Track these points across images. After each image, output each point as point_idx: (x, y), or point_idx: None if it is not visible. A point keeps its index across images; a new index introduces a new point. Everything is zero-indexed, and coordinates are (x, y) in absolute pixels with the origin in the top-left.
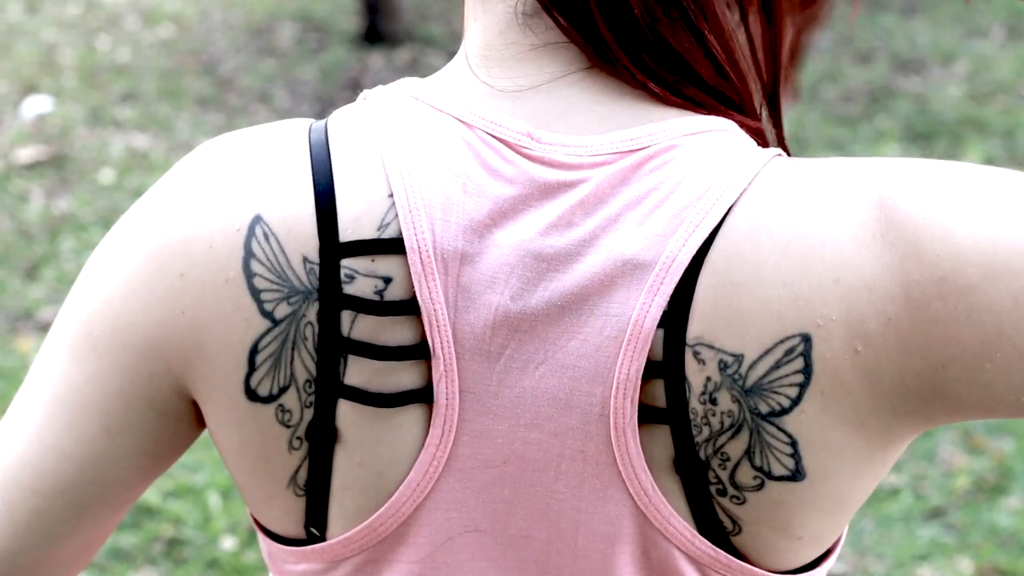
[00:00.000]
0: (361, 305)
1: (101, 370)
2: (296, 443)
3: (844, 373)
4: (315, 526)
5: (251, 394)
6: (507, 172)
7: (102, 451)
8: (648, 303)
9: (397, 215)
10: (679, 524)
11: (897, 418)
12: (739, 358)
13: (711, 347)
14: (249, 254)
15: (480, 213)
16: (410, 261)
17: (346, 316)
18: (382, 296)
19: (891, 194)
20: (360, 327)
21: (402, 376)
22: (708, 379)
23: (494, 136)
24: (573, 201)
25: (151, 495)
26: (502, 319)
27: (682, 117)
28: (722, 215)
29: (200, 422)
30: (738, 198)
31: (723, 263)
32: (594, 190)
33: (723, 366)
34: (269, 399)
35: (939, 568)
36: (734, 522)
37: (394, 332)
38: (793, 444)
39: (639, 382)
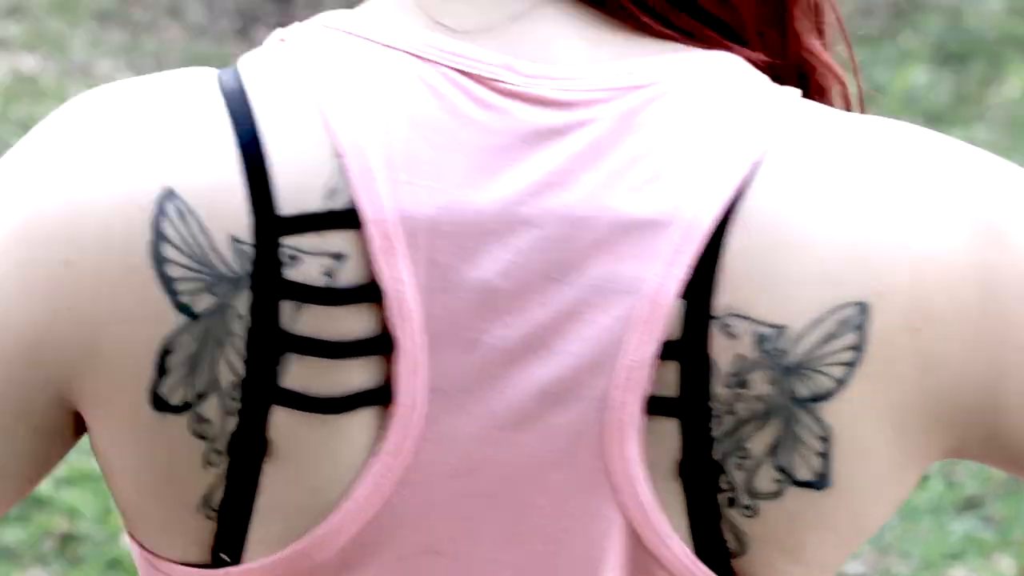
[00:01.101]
0: (306, 293)
1: None
2: (213, 458)
3: (899, 353)
4: (227, 551)
5: (159, 403)
6: (482, 117)
7: None
8: (665, 272)
9: (349, 179)
10: (677, 547)
11: (935, 430)
12: (781, 330)
13: (746, 318)
14: (159, 236)
15: (453, 171)
16: (368, 235)
17: (286, 307)
18: (333, 280)
19: (976, 162)
20: (304, 320)
21: (353, 375)
22: (740, 357)
23: (463, 72)
24: (569, 152)
25: (42, 483)
26: (484, 299)
27: (686, 52)
28: (751, 166)
29: (77, 434)
30: (769, 147)
31: (758, 220)
32: (595, 137)
33: (760, 340)
34: (182, 408)
35: (975, 568)
36: (739, 541)
37: (347, 323)
38: (825, 440)
39: (650, 368)
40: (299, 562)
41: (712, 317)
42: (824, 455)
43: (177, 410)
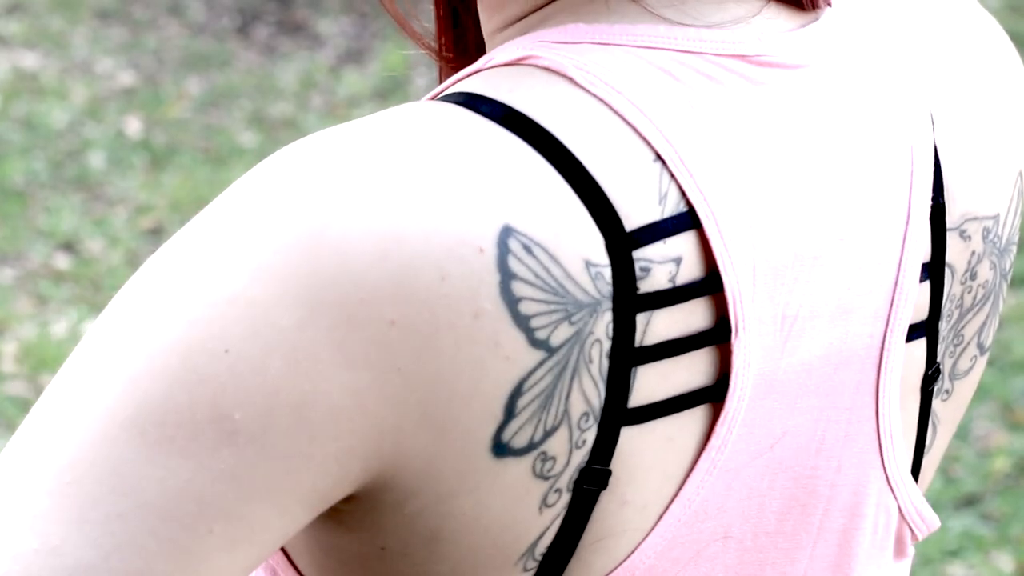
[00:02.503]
0: (656, 301)
1: (242, 464)
2: (553, 498)
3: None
4: None
5: (500, 449)
6: (754, 92)
7: (212, 571)
8: (916, 200)
9: (677, 181)
10: (909, 478)
11: None
12: (996, 219)
13: (975, 219)
14: (508, 276)
15: (751, 148)
16: (708, 234)
17: (640, 320)
18: (674, 282)
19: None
20: (654, 328)
21: (689, 372)
22: (972, 253)
23: (727, 55)
24: (819, 106)
25: None
26: (790, 271)
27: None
28: (926, 86)
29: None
30: (921, 62)
31: (951, 129)
32: (831, 88)
33: (986, 234)
34: (527, 449)
35: (973, 565)
36: (935, 431)
37: (689, 318)
38: (1004, 300)
39: (916, 297)
40: None
41: (948, 229)
42: (999, 314)
43: (520, 453)
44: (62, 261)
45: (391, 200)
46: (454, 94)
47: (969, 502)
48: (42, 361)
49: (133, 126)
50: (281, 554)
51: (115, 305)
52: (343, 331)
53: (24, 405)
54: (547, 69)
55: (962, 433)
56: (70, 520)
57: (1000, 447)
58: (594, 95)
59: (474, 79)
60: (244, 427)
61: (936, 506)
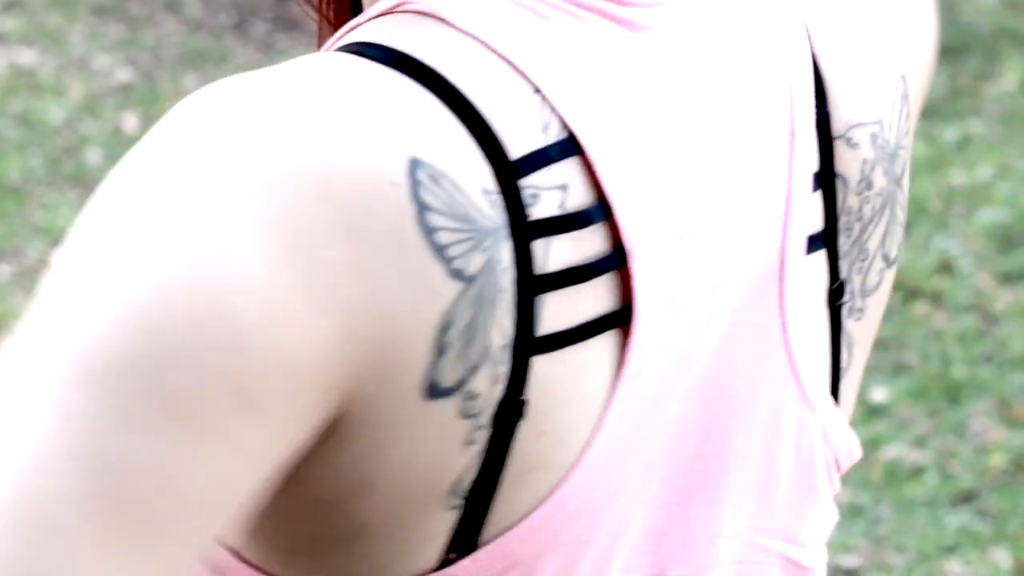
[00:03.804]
0: (548, 227)
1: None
2: (476, 435)
3: (914, 108)
4: (458, 548)
5: (432, 390)
6: (615, 31)
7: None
8: (800, 108)
9: (556, 111)
10: (827, 398)
11: None
12: (881, 123)
13: (860, 125)
14: (422, 207)
15: (620, 82)
16: (591, 160)
17: (538, 247)
18: (564, 208)
19: None
20: (553, 256)
21: (596, 299)
22: (864, 162)
23: None
24: (688, 37)
25: None
26: (678, 194)
27: None
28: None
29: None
30: None
31: (828, 35)
32: (694, 20)
33: (874, 139)
34: (455, 388)
35: (970, 561)
36: (850, 353)
37: (587, 244)
38: (904, 208)
39: (809, 206)
40: (552, 520)
41: (834, 137)
42: (902, 225)
43: (448, 392)
44: None
45: (312, 144)
46: (344, 45)
47: (966, 498)
48: None
49: (130, 123)
50: (226, 552)
51: (48, 300)
52: (303, 278)
53: None
54: (420, 13)
55: (959, 429)
56: (123, 541)
57: (997, 443)
58: (468, 34)
59: (357, 31)
60: (248, 384)
61: (933, 502)
